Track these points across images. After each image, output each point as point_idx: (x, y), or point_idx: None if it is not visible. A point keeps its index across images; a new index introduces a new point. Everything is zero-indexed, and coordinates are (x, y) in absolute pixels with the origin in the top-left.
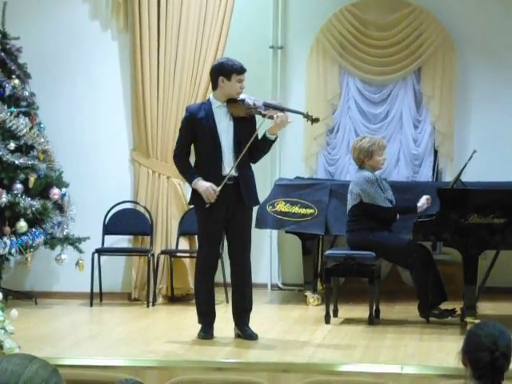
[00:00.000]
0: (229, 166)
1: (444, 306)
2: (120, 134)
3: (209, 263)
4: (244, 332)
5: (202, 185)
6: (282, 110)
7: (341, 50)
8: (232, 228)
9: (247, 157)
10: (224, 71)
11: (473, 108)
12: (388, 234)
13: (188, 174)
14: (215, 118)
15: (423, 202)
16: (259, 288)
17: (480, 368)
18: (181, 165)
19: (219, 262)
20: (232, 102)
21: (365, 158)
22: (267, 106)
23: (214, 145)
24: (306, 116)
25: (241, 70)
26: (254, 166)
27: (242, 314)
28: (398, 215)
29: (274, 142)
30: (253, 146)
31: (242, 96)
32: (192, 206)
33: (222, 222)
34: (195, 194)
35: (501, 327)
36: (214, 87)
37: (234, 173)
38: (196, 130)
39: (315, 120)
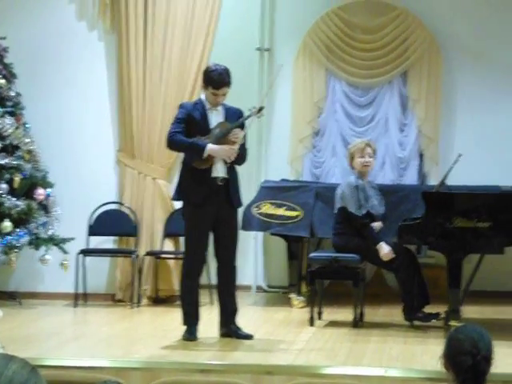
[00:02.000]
0: (219, 168)
1: (428, 309)
2: (106, 134)
3: (195, 265)
4: (238, 334)
5: (218, 147)
6: (237, 126)
7: (327, 53)
8: (220, 229)
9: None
10: (204, 79)
11: (458, 112)
12: None
13: (194, 143)
14: (209, 119)
15: (385, 251)
16: (244, 290)
17: (463, 372)
18: (181, 140)
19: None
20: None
21: (350, 161)
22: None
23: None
24: (255, 113)
25: (216, 86)
26: (239, 168)
27: (231, 316)
28: (365, 230)
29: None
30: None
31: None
32: (179, 207)
33: (209, 224)
34: (182, 189)
35: (481, 330)
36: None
37: (224, 174)
38: (190, 127)
39: (260, 110)
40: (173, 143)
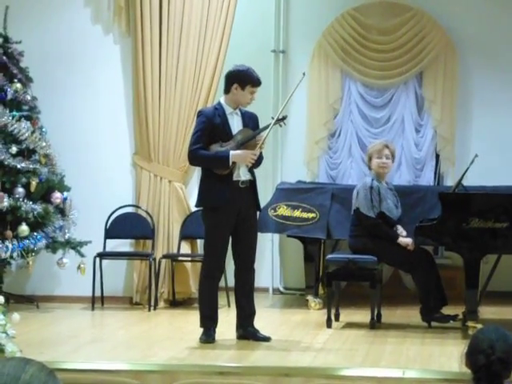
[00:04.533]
0: (241, 172)
1: (446, 310)
2: (122, 137)
3: (215, 267)
4: (256, 336)
5: (240, 151)
6: (260, 132)
7: (343, 54)
8: (241, 232)
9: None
10: (240, 79)
11: (474, 112)
12: None
13: (217, 155)
14: (230, 124)
15: (407, 242)
16: (261, 292)
17: (477, 371)
18: (203, 156)
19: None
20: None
21: (368, 162)
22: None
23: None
24: (276, 122)
25: (257, 83)
26: (255, 170)
27: (249, 318)
28: (377, 230)
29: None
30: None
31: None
32: (196, 210)
33: (230, 227)
34: (204, 195)
35: (503, 332)
36: (226, 91)
37: (247, 178)
38: (211, 134)
39: (283, 119)
40: (195, 160)
